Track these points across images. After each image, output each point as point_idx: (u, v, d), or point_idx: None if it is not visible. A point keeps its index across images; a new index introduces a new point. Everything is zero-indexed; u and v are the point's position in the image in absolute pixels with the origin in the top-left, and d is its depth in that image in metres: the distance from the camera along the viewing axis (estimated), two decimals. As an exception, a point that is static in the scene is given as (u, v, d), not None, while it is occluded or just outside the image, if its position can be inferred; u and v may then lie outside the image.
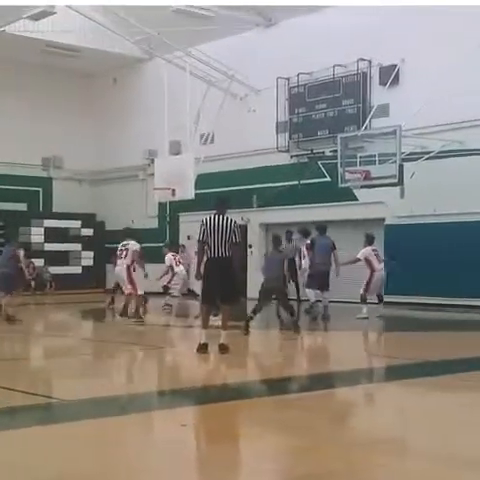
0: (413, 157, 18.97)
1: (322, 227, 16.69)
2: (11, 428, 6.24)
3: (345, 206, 21.16)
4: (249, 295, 22.59)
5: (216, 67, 23.49)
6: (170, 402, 7.77)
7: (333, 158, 20.29)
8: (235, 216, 11.45)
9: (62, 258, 27.71)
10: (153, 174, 23.58)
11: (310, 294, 16.31)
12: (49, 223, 27.87)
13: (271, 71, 22.70)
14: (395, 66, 20.29)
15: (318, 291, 16.19)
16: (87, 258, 28.40)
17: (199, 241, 10.68)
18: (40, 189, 28.78)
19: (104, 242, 27.10)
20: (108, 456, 5.43)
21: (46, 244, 27.60)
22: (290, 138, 22.94)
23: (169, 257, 19.87)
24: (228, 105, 23.54)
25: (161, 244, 21.24)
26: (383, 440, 5.88)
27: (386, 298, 16.96)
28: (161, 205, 25.87)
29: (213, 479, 4.94)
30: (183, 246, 24.59)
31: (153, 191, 23.38)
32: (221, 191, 20.48)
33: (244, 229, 22.26)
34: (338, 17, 21.44)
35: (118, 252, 15.27)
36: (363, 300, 16.17)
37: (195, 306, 16.61)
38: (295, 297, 18.01)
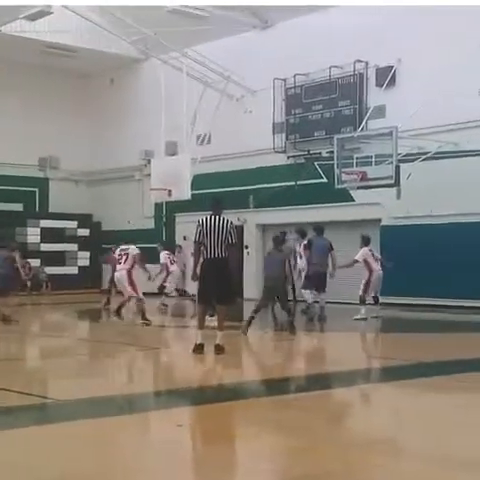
0: (409, 158, 18.99)
1: (319, 228, 16.70)
2: (7, 428, 6.23)
3: (341, 207, 21.18)
4: (245, 296, 22.68)
5: (212, 68, 23.50)
6: (166, 402, 7.77)
7: (329, 159, 20.31)
8: (231, 217, 11.44)
9: (58, 258, 27.69)
10: (149, 175, 23.56)
11: (307, 295, 16.32)
12: (45, 223, 27.85)
13: (268, 72, 22.71)
14: (391, 67, 20.31)
15: (315, 292, 16.20)
16: (83, 258, 28.39)
17: (195, 242, 10.67)
18: (36, 189, 28.76)
19: (100, 242, 27.09)
20: (104, 456, 5.43)
21: (42, 244, 27.59)
22: (287, 139, 22.96)
23: (164, 255, 19.91)
24: (224, 106, 23.54)
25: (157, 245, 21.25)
26: (379, 441, 5.89)
27: (382, 299, 16.96)
28: (157, 205, 25.86)
29: (209, 479, 4.95)
30: (179, 247, 24.63)
31: (149, 191, 23.38)
32: (217, 192, 20.47)
33: (240, 230, 22.30)
34: (335, 18, 21.47)
35: (117, 257, 15.22)
36: (362, 301, 16.19)
37: (190, 306, 16.61)
38: (291, 298, 18.00)
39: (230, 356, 10.41)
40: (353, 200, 20.99)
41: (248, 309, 20.51)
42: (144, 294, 15.20)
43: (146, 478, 4.98)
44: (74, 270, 28.13)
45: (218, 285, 10.43)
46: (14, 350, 12.27)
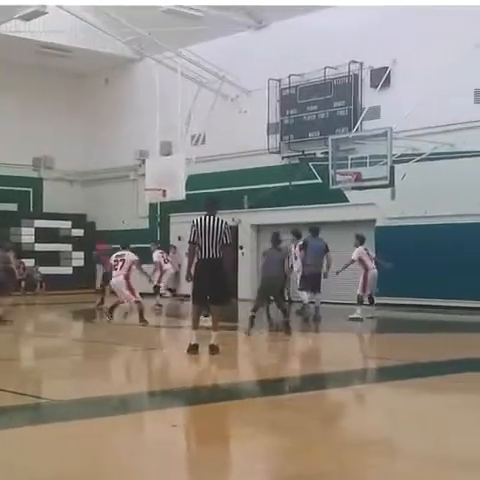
0: (404, 159, 19.02)
1: (315, 229, 16.70)
2: (1, 428, 6.21)
3: (336, 207, 21.19)
4: (240, 296, 22.68)
5: (207, 68, 23.49)
6: (160, 403, 7.76)
7: (324, 160, 20.32)
8: (226, 217, 11.43)
9: (53, 258, 27.65)
10: (144, 175, 23.54)
11: (304, 296, 16.27)
12: (39, 223, 27.81)
13: (262, 72, 22.71)
14: (386, 68, 20.33)
15: (310, 292, 16.20)
16: (78, 258, 28.35)
17: (190, 242, 10.65)
18: (30, 189, 28.71)
19: (95, 243, 27.07)
20: (98, 457, 5.42)
21: (36, 244, 27.55)
22: (281, 139, 22.97)
23: (157, 254, 19.91)
24: (219, 106, 23.54)
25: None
26: (374, 441, 5.89)
27: (376, 300, 16.98)
28: (152, 206, 25.84)
29: (203, 479, 4.95)
30: (174, 247, 24.61)
31: (144, 192, 23.35)
32: (212, 192, 20.46)
33: (235, 230, 22.29)
34: (329, 19, 21.49)
35: (113, 262, 15.16)
36: (360, 301, 16.21)
37: (185, 306, 16.60)
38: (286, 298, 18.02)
39: (224, 356, 10.41)
40: (348, 201, 21.02)
41: (242, 310, 20.58)
42: (140, 294, 15.20)
43: (140, 478, 4.98)
44: (68, 270, 28.09)
45: (213, 285, 10.42)
46: (8, 350, 12.21)
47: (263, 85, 22.95)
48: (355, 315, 15.95)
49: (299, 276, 16.85)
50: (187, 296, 21.45)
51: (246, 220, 23.76)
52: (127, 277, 14.89)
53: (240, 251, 23.67)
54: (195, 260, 10.64)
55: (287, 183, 22.35)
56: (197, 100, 23.30)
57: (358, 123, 20.31)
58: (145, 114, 24.60)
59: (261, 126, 23.15)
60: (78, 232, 28.60)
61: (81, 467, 5.11)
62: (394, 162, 18.08)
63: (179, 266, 23.15)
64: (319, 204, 21.34)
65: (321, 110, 21.95)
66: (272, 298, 13.89)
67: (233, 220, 22.38)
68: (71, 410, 7.05)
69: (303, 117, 22.45)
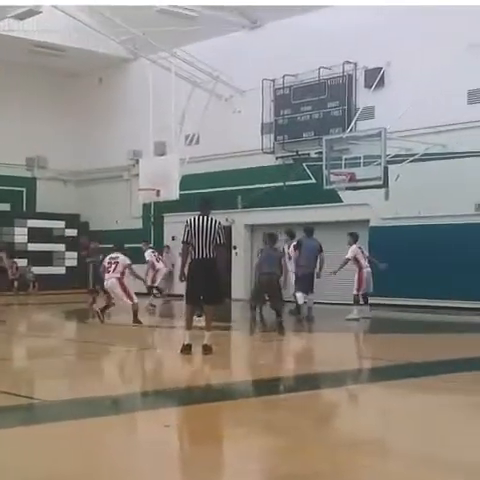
0: (398, 159, 19.04)
1: (309, 229, 16.68)
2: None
3: (330, 208, 21.20)
4: (233, 296, 22.67)
5: (201, 68, 23.48)
6: (153, 403, 7.74)
7: (318, 160, 20.32)
8: (220, 217, 11.42)
9: (46, 258, 27.59)
10: (138, 175, 23.52)
11: (300, 297, 16.16)
12: (33, 223, 27.75)
13: (256, 72, 22.71)
14: (380, 69, 20.35)
15: (304, 293, 16.19)
16: (71, 258, 28.29)
17: (183, 242, 10.63)
18: (24, 189, 28.65)
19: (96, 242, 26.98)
20: (91, 457, 5.39)
21: (29, 244, 27.49)
22: (275, 139, 22.97)
23: (149, 253, 19.86)
24: (213, 106, 23.53)
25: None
26: (367, 441, 5.88)
27: (370, 300, 16.99)
28: (145, 206, 25.81)
29: (197, 480, 4.93)
30: (167, 247, 24.60)
31: (138, 192, 23.32)
32: (206, 192, 20.45)
33: (229, 230, 22.27)
34: (323, 19, 21.50)
35: (106, 265, 15.09)
36: (356, 301, 16.21)
37: (179, 307, 16.56)
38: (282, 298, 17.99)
39: (218, 356, 10.39)
40: (341, 201, 21.03)
41: (236, 310, 20.58)
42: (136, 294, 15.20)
43: (133, 479, 4.96)
44: (61, 270, 28.04)
45: (206, 285, 10.40)
46: (1, 350, 12.18)
47: (257, 85, 22.95)
48: (352, 316, 15.96)
49: (293, 277, 16.79)
50: (171, 296, 21.57)
51: (240, 220, 23.75)
52: (121, 280, 14.85)
53: (234, 251, 23.66)
54: (188, 260, 10.62)
55: (281, 183, 22.35)
56: (191, 100, 23.29)
57: (352, 123, 20.33)
58: (139, 114, 24.56)
59: (255, 126, 23.15)
60: (71, 232, 28.55)
61: (74, 467, 5.09)
62: (388, 162, 18.11)
63: (173, 266, 23.12)
64: (313, 204, 21.34)
65: (315, 110, 21.96)
66: (267, 298, 13.89)
67: (227, 220, 22.37)
68: (64, 410, 7.03)
69: (297, 117, 22.46)
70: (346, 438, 6.00)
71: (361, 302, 16.35)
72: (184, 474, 5.17)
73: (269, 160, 23.09)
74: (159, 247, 23.98)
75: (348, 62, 21.15)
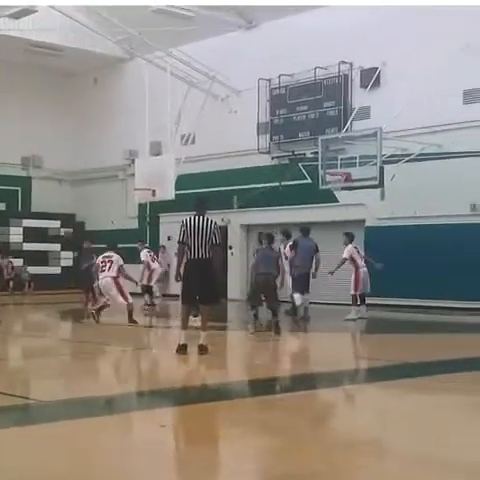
0: (393, 159, 19.06)
1: (306, 229, 16.66)
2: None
3: (326, 208, 21.20)
4: (229, 296, 22.67)
5: (197, 68, 23.46)
6: (149, 403, 7.72)
7: (314, 160, 20.34)
8: (215, 217, 11.42)
9: (41, 258, 27.55)
10: (133, 174, 23.48)
11: (297, 298, 16.12)
12: (28, 223, 27.71)
13: (252, 72, 22.70)
14: (376, 69, 20.36)
15: (300, 293, 16.18)
16: (66, 258, 28.24)
17: (179, 242, 10.62)
18: (19, 188, 28.59)
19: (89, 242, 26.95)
20: (86, 457, 5.38)
21: (25, 244, 27.45)
22: (271, 139, 22.97)
23: (144, 253, 19.83)
24: (209, 106, 23.50)
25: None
26: (364, 441, 5.88)
27: (367, 300, 16.98)
28: (141, 206, 25.79)
29: (193, 480, 4.92)
30: (163, 247, 24.57)
31: (133, 191, 23.28)
32: (201, 192, 20.45)
33: (224, 230, 22.26)
34: (320, 19, 21.50)
35: (100, 264, 15.04)
36: (355, 301, 16.22)
37: (175, 306, 16.55)
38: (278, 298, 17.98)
39: (214, 356, 10.38)
40: (337, 201, 21.03)
41: (232, 310, 20.57)
42: (131, 294, 15.17)
43: (129, 479, 4.94)
44: (57, 270, 27.99)
45: (202, 285, 10.39)
46: (-4, 350, 12.17)
47: (253, 85, 22.95)
48: (350, 316, 15.97)
49: (290, 277, 16.73)
50: (167, 296, 21.52)
51: (235, 220, 23.74)
52: (116, 279, 14.81)
53: (229, 251, 23.65)
54: (184, 260, 10.61)
55: (277, 183, 22.35)
56: (187, 100, 23.27)
57: (348, 123, 20.33)
58: (135, 114, 24.52)
59: (251, 126, 23.14)
60: (67, 232, 28.49)
61: (69, 467, 5.07)
62: (384, 162, 18.13)
63: (168, 266, 23.10)
64: (309, 204, 21.34)
65: (311, 110, 21.96)
66: (263, 298, 13.88)
67: (222, 220, 22.37)
68: (59, 411, 7.01)
69: (293, 117, 22.46)
70: (342, 438, 6.00)
71: (358, 302, 16.34)
72: (180, 474, 5.15)
73: (265, 160, 23.08)
74: (155, 247, 23.96)
75: (344, 62, 21.15)
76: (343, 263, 16.32)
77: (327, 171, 19.10)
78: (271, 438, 5.91)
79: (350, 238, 16.53)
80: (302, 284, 16.03)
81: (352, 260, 16.28)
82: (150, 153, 23.84)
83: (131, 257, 19.90)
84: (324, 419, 6.96)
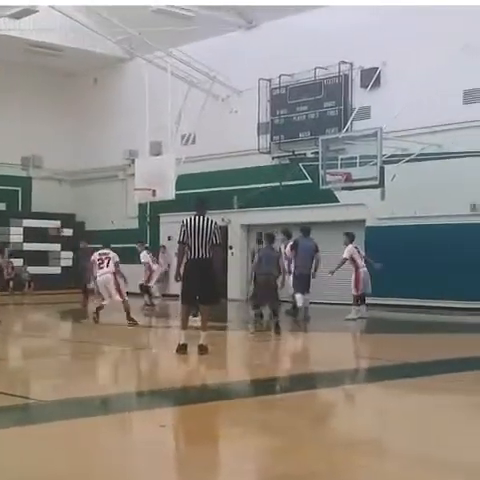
0: (394, 159, 19.06)
1: (306, 229, 16.64)
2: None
3: (326, 208, 21.19)
4: (229, 296, 22.66)
5: (197, 68, 23.45)
6: (149, 403, 7.71)
7: (314, 160, 20.33)
8: (216, 217, 11.41)
9: (41, 258, 27.54)
10: (133, 174, 23.47)
11: (299, 298, 16.09)
12: (28, 223, 27.70)
13: (253, 72, 22.69)
14: (376, 69, 20.35)
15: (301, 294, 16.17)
16: (66, 258, 28.22)
17: (179, 242, 10.61)
18: (19, 188, 28.58)
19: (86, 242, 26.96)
20: (86, 457, 5.37)
21: (25, 244, 27.44)
22: (271, 139, 22.96)
23: (145, 254, 19.83)
24: (210, 106, 23.49)
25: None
26: (364, 441, 5.87)
27: (367, 300, 16.97)
28: (141, 206, 25.78)
29: (193, 480, 4.91)
30: (164, 247, 24.57)
31: (133, 191, 23.28)
32: (202, 192, 20.44)
33: (225, 230, 22.25)
34: (320, 19, 21.49)
35: (97, 261, 14.99)
36: (355, 301, 16.21)
37: (175, 306, 16.54)
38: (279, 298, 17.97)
39: (214, 356, 10.37)
40: (338, 201, 21.02)
41: (232, 310, 20.57)
42: (129, 294, 15.15)
43: (129, 479, 4.93)
44: (57, 270, 27.98)
45: (202, 285, 10.38)
46: (-4, 350, 12.17)
47: (254, 85, 22.94)
48: (351, 316, 15.96)
49: (291, 278, 16.68)
50: (167, 296, 21.50)
51: (236, 220, 23.73)
52: (115, 276, 14.80)
53: (230, 251, 23.64)
54: (184, 260, 10.61)
55: (277, 183, 22.34)
56: (187, 100, 23.26)
57: (348, 123, 20.33)
58: (135, 114, 24.51)
59: (251, 126, 23.12)
60: (67, 232, 28.49)
61: (69, 467, 5.07)
62: (384, 162, 18.12)
63: (168, 266, 23.10)
64: (309, 204, 21.33)
65: (311, 110, 21.95)
66: (263, 298, 13.89)
67: (223, 220, 22.36)
68: (59, 410, 7.00)
69: (293, 117, 22.45)
70: (342, 438, 5.99)
71: (358, 302, 16.33)
72: (180, 474, 5.15)
73: (265, 160, 23.07)
74: (155, 247, 23.98)
75: (344, 62, 21.14)
76: (343, 263, 16.31)
77: (327, 171, 19.10)
78: (271, 438, 5.91)
79: (350, 238, 16.52)
80: (303, 284, 16.02)
81: (352, 260, 16.27)
82: (150, 153, 23.84)
83: (131, 257, 19.95)
84: (324, 419, 6.95)
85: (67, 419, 6.53)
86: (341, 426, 6.61)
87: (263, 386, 8.53)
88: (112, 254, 14.98)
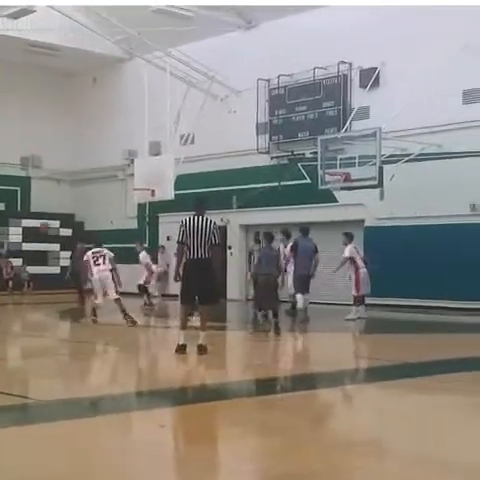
0: (393, 159, 19.05)
1: (305, 229, 16.61)
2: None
3: (325, 208, 21.18)
4: (228, 296, 22.66)
5: (196, 68, 23.43)
6: (148, 403, 7.71)
7: (313, 160, 20.32)
8: (215, 217, 11.40)
9: (40, 258, 27.52)
10: (133, 174, 23.47)
11: (300, 299, 16.06)
12: (27, 223, 27.69)
13: (252, 72, 22.68)
14: (375, 69, 20.35)
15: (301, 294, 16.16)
16: (65, 258, 28.15)
17: (178, 242, 10.61)
18: (18, 188, 28.57)
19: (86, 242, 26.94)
20: (85, 457, 5.37)
21: (24, 244, 27.43)
22: (270, 139, 22.95)
23: (144, 255, 19.81)
24: (208, 106, 23.48)
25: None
26: (363, 442, 5.87)
27: (366, 300, 16.97)
28: (140, 206, 25.77)
29: (192, 480, 4.91)
30: (163, 247, 24.56)
31: (132, 191, 23.27)
32: (201, 192, 20.43)
33: (224, 230, 22.24)
34: (319, 19, 21.49)
35: (92, 259, 14.96)
36: (356, 302, 16.20)
37: (174, 306, 16.53)
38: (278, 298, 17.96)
39: (213, 356, 10.36)
40: (336, 201, 21.02)
41: (231, 310, 20.56)
42: (127, 294, 15.15)
43: (128, 479, 4.93)
44: (56, 270, 27.92)
45: (201, 285, 10.37)
46: (-5, 350, 12.16)
47: (252, 85, 22.94)
48: (350, 316, 15.96)
49: (291, 278, 16.65)
50: (166, 296, 21.48)
51: (235, 220, 23.73)
52: (111, 271, 14.79)
53: (229, 251, 23.63)
54: (183, 260, 10.60)
55: (276, 183, 22.33)
56: (186, 100, 23.24)
57: (347, 123, 20.32)
58: (134, 114, 24.50)
59: (250, 126, 23.12)
60: (66, 232, 28.46)
61: (68, 467, 5.06)
62: (383, 162, 18.11)
63: (167, 266, 23.09)
64: (308, 204, 21.33)
65: (310, 110, 21.95)
66: (263, 298, 13.89)
67: (222, 220, 22.35)
68: (58, 410, 7.00)
69: (292, 117, 22.45)
70: (342, 438, 5.99)
71: (357, 302, 16.32)
72: (179, 474, 5.15)
73: (264, 160, 23.07)
74: (154, 247, 23.98)
75: (343, 62, 21.14)
76: (345, 262, 16.30)
77: (326, 171, 19.09)
78: (270, 438, 5.90)
79: (350, 238, 16.51)
80: (302, 284, 16.01)
81: (352, 261, 16.25)
82: (149, 153, 23.82)
83: (131, 257, 19.95)
84: (323, 419, 6.95)
85: (66, 419, 6.52)
86: (340, 426, 6.61)
87: (262, 386, 8.52)
88: (106, 251, 15.00)
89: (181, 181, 22.24)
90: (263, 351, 12.23)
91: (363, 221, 20.60)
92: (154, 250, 23.44)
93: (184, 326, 10.50)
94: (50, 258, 27.99)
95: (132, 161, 24.73)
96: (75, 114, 28.97)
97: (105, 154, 27.44)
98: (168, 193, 21.37)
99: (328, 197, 20.77)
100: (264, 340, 13.16)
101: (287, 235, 17.16)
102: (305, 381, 8.98)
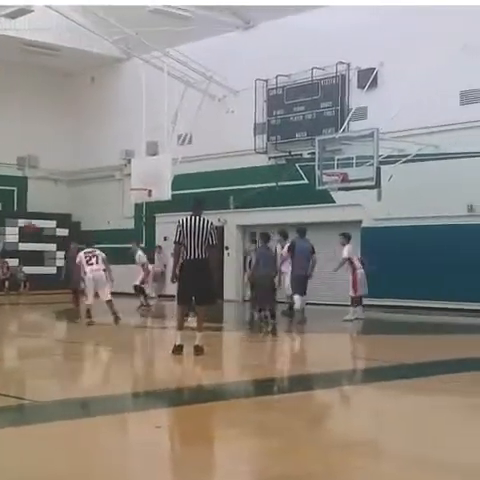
0: (390, 160, 19.04)
1: (302, 230, 16.58)
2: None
3: (322, 208, 21.17)
4: (225, 297, 22.63)
5: (194, 68, 23.42)
6: (144, 404, 7.68)
7: (311, 160, 20.30)
8: (212, 217, 11.37)
9: (37, 258, 27.47)
10: (130, 174, 23.45)
11: (297, 300, 16.03)
12: (24, 223, 27.62)
13: (249, 72, 22.67)
14: (373, 69, 20.34)
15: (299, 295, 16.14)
16: (62, 258, 28.11)
17: (175, 243, 10.58)
18: (15, 188, 28.52)
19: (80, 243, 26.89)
20: (81, 458, 5.34)
21: (21, 244, 27.38)
22: (268, 140, 22.94)
23: (141, 254, 19.77)
24: (206, 106, 23.47)
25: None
26: (360, 442, 5.85)
27: (364, 301, 16.95)
28: (137, 206, 25.74)
29: (188, 481, 4.88)
30: (159, 247, 24.53)
31: (130, 192, 23.25)
32: (198, 192, 20.40)
33: (221, 231, 22.22)
34: (317, 19, 21.48)
35: (85, 259, 14.92)
36: (353, 303, 16.18)
37: (171, 307, 16.50)
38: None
39: (209, 357, 10.34)
40: (334, 201, 21.01)
41: (228, 310, 20.54)
42: (124, 294, 15.12)
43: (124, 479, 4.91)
44: (52, 270, 27.88)
45: (198, 286, 10.35)
46: (-9, 350, 12.13)
47: (250, 85, 22.92)
48: (348, 317, 15.95)
49: (289, 279, 16.61)
50: (163, 296, 21.48)
51: (232, 220, 23.70)
52: (104, 271, 14.76)
53: (226, 252, 23.61)
54: (180, 261, 10.57)
55: (274, 183, 22.32)
56: (184, 100, 23.23)
57: (345, 124, 20.32)
58: (131, 113, 24.49)
59: (248, 126, 23.11)
60: (63, 232, 28.40)
61: (65, 468, 5.04)
62: (380, 163, 18.10)
63: (164, 266, 23.06)
64: (305, 205, 21.31)
65: (308, 111, 21.94)
66: (261, 298, 13.90)
67: (219, 220, 22.33)
68: (54, 411, 6.97)
69: (290, 118, 22.44)
70: (339, 439, 5.97)
71: (354, 303, 16.30)
72: (175, 475, 5.12)
73: (262, 160, 23.05)
74: (151, 247, 23.94)
75: (341, 62, 21.13)
76: (345, 262, 16.29)
77: (324, 171, 19.08)
78: (267, 439, 5.88)
79: (347, 238, 16.50)
80: (300, 285, 15.98)
81: (350, 261, 16.23)
82: (147, 153, 23.78)
83: (128, 257, 19.90)
84: (321, 420, 6.93)
85: (62, 420, 6.50)
86: (338, 427, 6.59)
87: (259, 387, 8.50)
88: (98, 251, 14.97)
89: (178, 181, 22.22)
90: (260, 352, 12.21)
91: (360, 222, 20.60)
92: (151, 250, 23.41)
93: (181, 327, 10.47)
94: (46, 258, 27.95)
95: (129, 161, 24.72)
96: (72, 114, 28.94)
97: (102, 154, 27.41)
98: (165, 193, 21.35)
99: (326, 198, 20.76)
100: (261, 341, 13.14)
101: (284, 236, 17.13)
102: (302, 382, 8.96)
